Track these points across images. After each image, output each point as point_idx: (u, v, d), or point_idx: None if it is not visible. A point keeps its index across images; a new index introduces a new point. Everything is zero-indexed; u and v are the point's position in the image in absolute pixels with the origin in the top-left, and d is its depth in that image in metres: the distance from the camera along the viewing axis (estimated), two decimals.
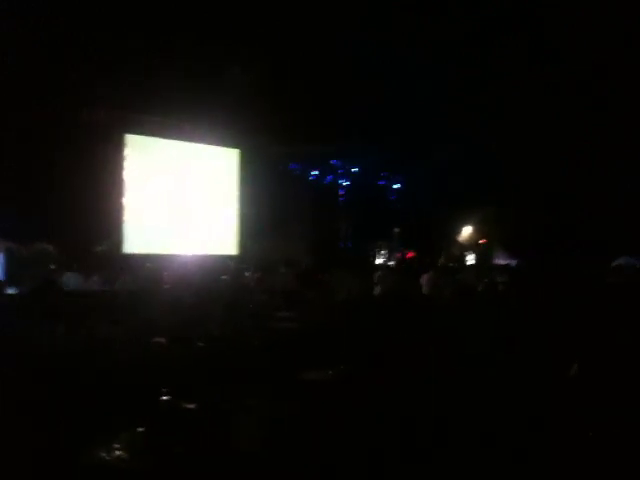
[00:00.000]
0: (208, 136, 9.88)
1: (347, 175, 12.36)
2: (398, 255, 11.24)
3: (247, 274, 6.17)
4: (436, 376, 2.78)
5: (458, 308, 4.00)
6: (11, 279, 5.16)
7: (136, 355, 2.83)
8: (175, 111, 8.77)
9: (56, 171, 7.58)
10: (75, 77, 7.42)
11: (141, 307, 3.59)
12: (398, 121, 9.77)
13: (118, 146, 8.80)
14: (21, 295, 4.43)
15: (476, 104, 9.40)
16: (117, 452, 2.07)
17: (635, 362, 2.70)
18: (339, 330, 3.35)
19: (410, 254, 10.95)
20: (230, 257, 9.68)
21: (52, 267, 5.61)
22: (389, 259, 11.28)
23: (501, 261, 9.27)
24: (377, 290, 4.83)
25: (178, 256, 8.84)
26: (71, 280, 5.12)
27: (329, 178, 12.25)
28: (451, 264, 9.08)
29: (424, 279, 4.94)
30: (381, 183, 12.95)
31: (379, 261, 11.24)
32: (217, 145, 10.25)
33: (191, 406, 2.37)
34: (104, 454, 2.06)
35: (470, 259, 10.65)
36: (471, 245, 11.17)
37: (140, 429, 2.18)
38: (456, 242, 11.42)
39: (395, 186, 13.00)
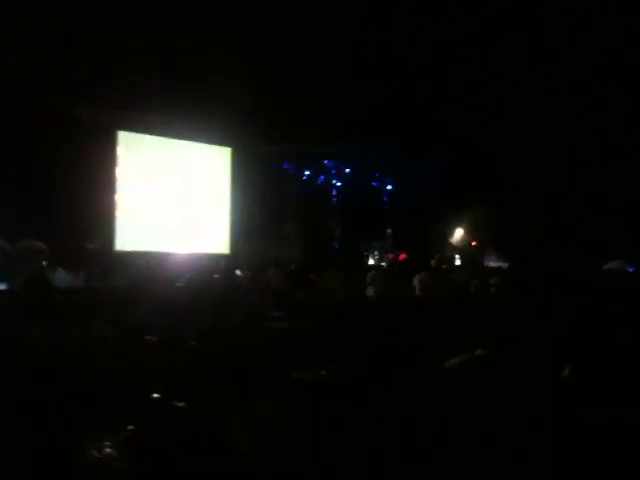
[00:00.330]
0: (200, 134, 9.87)
1: (340, 176, 12.36)
2: (390, 256, 11.24)
3: (238, 273, 6.18)
4: (429, 376, 2.78)
5: (450, 309, 3.99)
6: (1, 275, 5.17)
7: (127, 353, 2.83)
8: (168, 109, 8.77)
9: (48, 168, 7.61)
10: (66, 74, 7.44)
11: (132, 305, 3.59)
12: (395, 121, 9.77)
13: (110, 143, 8.80)
14: (10, 291, 4.44)
15: (476, 104, 9.38)
16: (108, 450, 2.08)
17: (631, 363, 2.70)
18: (331, 330, 3.35)
19: (402, 255, 10.94)
20: (222, 256, 9.68)
21: (44, 264, 5.62)
22: (381, 260, 11.28)
23: (493, 263, 9.27)
24: (369, 291, 4.83)
25: (170, 254, 8.85)
26: (62, 277, 5.14)
27: (322, 178, 12.25)
28: (444, 265, 9.08)
29: (416, 280, 4.93)
30: (374, 184, 12.95)
31: (371, 262, 11.24)
32: (209, 143, 10.24)
33: (182, 405, 2.37)
34: (95, 453, 2.07)
35: (457, 260, 10.63)
36: (463, 247, 11.18)
37: (131, 427, 2.19)
38: (448, 244, 11.42)
39: (388, 187, 13.00)
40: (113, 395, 2.41)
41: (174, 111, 8.88)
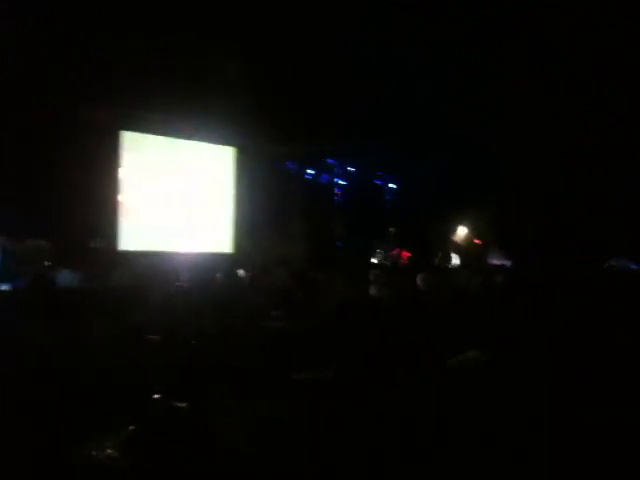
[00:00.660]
0: (204, 134, 9.87)
1: (343, 174, 12.35)
2: (393, 254, 11.24)
3: (241, 272, 6.18)
4: (430, 376, 2.77)
5: (454, 308, 3.99)
6: (4, 275, 5.17)
7: (129, 353, 2.83)
8: (171, 108, 8.77)
9: (51, 168, 7.60)
10: (68, 74, 7.43)
11: (135, 304, 3.59)
12: (396, 121, 9.77)
13: (114, 143, 8.81)
14: (13, 291, 4.44)
15: (476, 104, 9.39)
16: (109, 451, 2.07)
17: (633, 363, 2.70)
18: (334, 329, 3.34)
19: (406, 254, 10.94)
20: (225, 255, 9.68)
21: (47, 264, 5.62)
22: (385, 259, 11.27)
23: (496, 261, 9.25)
24: (373, 290, 4.83)
25: (173, 253, 8.84)
26: (65, 277, 5.13)
27: (325, 177, 12.25)
28: (447, 264, 9.07)
29: (420, 279, 4.93)
30: (377, 182, 12.95)
31: (375, 261, 11.22)
32: (213, 143, 10.25)
33: (183, 405, 2.36)
34: (96, 453, 2.06)
35: (454, 259, 10.62)
36: (466, 245, 11.17)
37: (131, 427, 2.18)
38: (452, 242, 11.41)
39: (391, 186, 13.00)
40: (114, 395, 2.41)
41: (177, 111, 8.88)
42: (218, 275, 5.33)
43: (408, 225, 11.71)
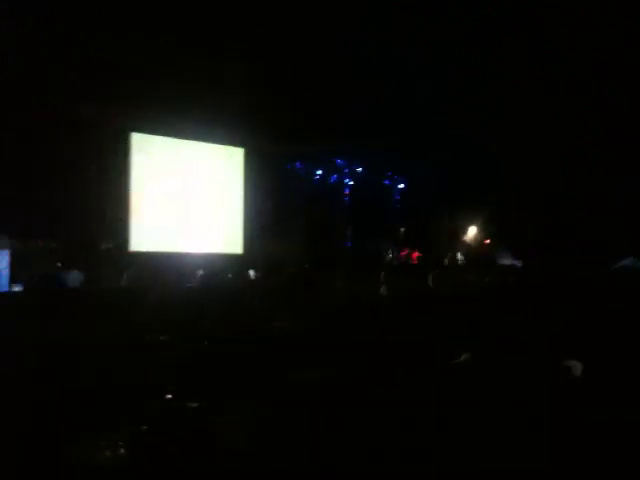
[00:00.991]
0: (214, 135, 9.87)
1: (352, 175, 12.35)
2: (403, 254, 11.24)
3: (251, 272, 6.14)
4: (437, 375, 2.76)
5: (464, 307, 3.97)
6: (17, 276, 5.14)
7: (137, 353, 2.81)
8: (181, 110, 8.76)
9: (62, 170, 7.59)
10: (82, 77, 7.41)
11: (145, 305, 3.56)
12: (396, 121, 9.77)
13: (125, 145, 8.81)
14: (25, 292, 4.41)
15: (476, 104, 9.40)
16: (111, 450, 2.05)
17: (634, 362, 2.69)
18: (343, 329, 3.32)
19: (416, 253, 10.94)
20: (235, 256, 9.67)
21: (58, 264, 5.58)
22: (394, 258, 11.27)
23: (506, 261, 9.26)
24: (383, 289, 4.81)
25: (183, 254, 8.83)
26: (76, 278, 5.10)
27: (334, 178, 12.25)
28: (458, 263, 9.08)
29: (430, 278, 4.91)
30: (386, 183, 12.97)
31: (385, 260, 11.21)
32: (222, 144, 10.24)
33: (191, 405, 2.34)
34: (98, 452, 2.04)
35: (460, 259, 10.63)
36: (476, 245, 11.19)
37: (134, 427, 2.16)
38: (462, 242, 11.43)
39: (400, 186, 13.01)
40: (121, 395, 2.39)
41: (188, 113, 8.88)
42: (229, 276, 5.29)
43: (418, 225, 11.71)
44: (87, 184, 7.65)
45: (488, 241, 11.37)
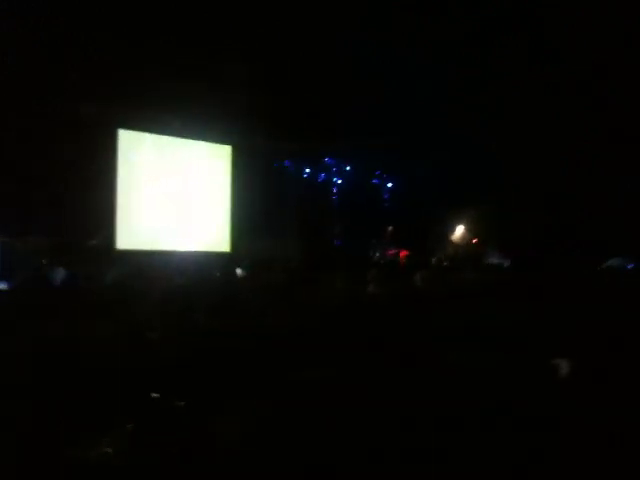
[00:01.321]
0: (200, 132, 9.86)
1: (341, 174, 12.36)
2: (391, 253, 11.24)
3: (239, 271, 6.18)
4: (430, 375, 2.77)
5: (452, 306, 3.98)
6: (3, 274, 5.16)
7: (126, 351, 2.82)
8: (168, 107, 8.77)
9: (48, 166, 7.59)
10: (65, 73, 7.44)
11: (131, 303, 3.59)
12: (395, 121, 9.78)
13: (111, 141, 8.80)
14: (10, 290, 4.44)
15: (476, 104, 9.39)
16: (107, 449, 2.07)
17: (631, 363, 2.70)
18: (331, 328, 3.34)
19: (403, 252, 10.95)
20: (222, 254, 9.67)
21: (44, 262, 5.60)
22: (382, 257, 11.27)
23: (494, 260, 9.26)
24: (370, 288, 4.83)
25: (170, 252, 8.84)
26: (62, 275, 5.12)
27: (322, 176, 12.25)
28: (445, 263, 9.08)
29: (418, 277, 4.94)
30: (375, 182, 12.96)
31: (372, 260, 11.22)
32: (210, 141, 10.23)
33: (180, 404, 2.36)
34: (94, 452, 2.06)
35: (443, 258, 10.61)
36: (464, 244, 11.19)
37: (129, 426, 2.18)
38: (449, 241, 11.43)
39: (389, 185, 13.01)
40: (111, 394, 2.41)
41: (174, 109, 8.88)
42: (217, 274, 5.33)
43: (406, 224, 11.71)
44: (73, 181, 7.67)
45: (475, 240, 11.35)
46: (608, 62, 8.31)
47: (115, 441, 2.12)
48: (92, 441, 2.10)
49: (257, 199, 10.29)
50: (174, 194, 9.60)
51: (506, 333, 3.26)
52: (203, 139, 10.07)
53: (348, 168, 12.32)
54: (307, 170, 11.95)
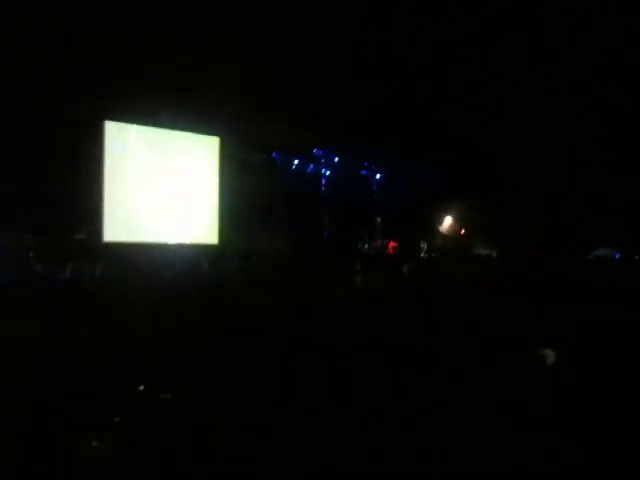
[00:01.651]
0: (188, 123, 9.87)
1: (329, 165, 12.34)
2: (379, 244, 11.22)
3: (227, 263, 6.18)
4: (427, 373, 2.77)
5: (441, 298, 3.99)
6: None
7: (114, 346, 2.83)
8: (155, 98, 8.78)
9: (33, 160, 7.56)
10: (52, 66, 7.45)
11: (120, 296, 3.60)
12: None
13: (97, 133, 8.81)
14: None
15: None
16: (100, 446, 2.08)
17: (627, 358, 2.71)
18: (321, 321, 3.35)
19: (392, 244, 10.93)
20: (210, 246, 9.66)
21: (30, 255, 5.59)
22: (371, 249, 11.25)
23: (482, 251, 9.24)
24: (359, 280, 4.84)
25: (158, 244, 8.83)
26: (49, 270, 5.12)
27: (311, 167, 12.24)
28: (433, 254, 9.06)
29: (406, 269, 4.94)
30: (364, 173, 12.94)
31: (361, 251, 11.19)
32: (197, 132, 10.24)
33: (168, 398, 2.37)
34: (88, 448, 2.07)
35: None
36: (452, 235, 11.16)
37: (120, 422, 2.19)
38: (437, 232, 11.40)
39: (377, 176, 12.98)
40: (101, 390, 2.41)
41: (162, 100, 8.87)
42: (205, 266, 5.34)
43: (394, 215, 11.69)
44: (59, 174, 7.66)
45: (463, 231, 11.32)
46: (608, 62, 8.30)
47: (107, 438, 2.13)
48: (85, 438, 2.11)
49: (245, 191, 10.25)
50: (161, 186, 9.59)
51: (497, 328, 3.26)
52: (191, 130, 10.07)
53: (337, 159, 12.29)
54: (295, 162, 11.94)
